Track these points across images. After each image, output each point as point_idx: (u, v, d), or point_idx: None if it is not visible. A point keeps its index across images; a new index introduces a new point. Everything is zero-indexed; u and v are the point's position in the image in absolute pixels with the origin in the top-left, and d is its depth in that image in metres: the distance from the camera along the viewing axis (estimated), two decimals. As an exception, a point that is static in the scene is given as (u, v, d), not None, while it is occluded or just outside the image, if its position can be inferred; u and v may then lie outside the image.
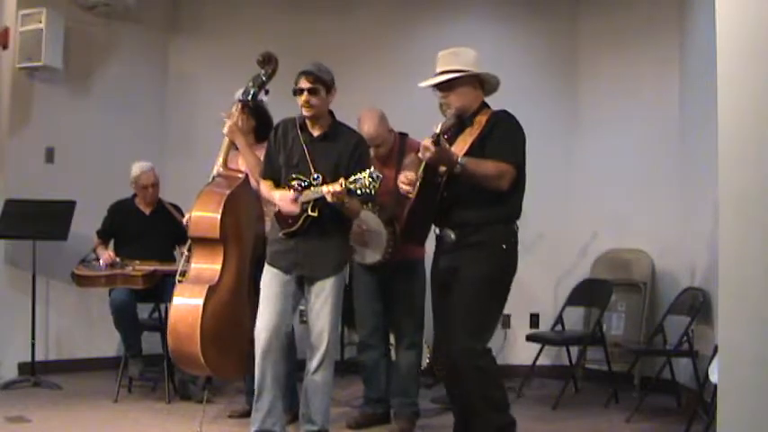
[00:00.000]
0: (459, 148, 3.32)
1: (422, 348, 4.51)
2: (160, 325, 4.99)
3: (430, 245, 3.63)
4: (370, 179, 3.32)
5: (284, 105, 3.88)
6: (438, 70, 3.45)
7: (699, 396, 4.28)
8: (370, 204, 3.99)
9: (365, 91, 5.64)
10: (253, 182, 3.99)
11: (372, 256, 4.19)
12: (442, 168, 3.25)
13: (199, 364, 3.78)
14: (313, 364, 3.61)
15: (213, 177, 4.06)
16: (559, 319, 5.48)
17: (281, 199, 3.56)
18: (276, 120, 3.91)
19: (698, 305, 4.68)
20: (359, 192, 3.35)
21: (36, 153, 5.69)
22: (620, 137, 5.85)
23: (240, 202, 3.95)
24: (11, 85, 5.65)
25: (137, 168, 5.18)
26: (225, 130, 4.12)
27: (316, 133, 3.65)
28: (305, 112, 3.59)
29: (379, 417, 4.34)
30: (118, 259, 4.91)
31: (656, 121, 5.70)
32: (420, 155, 3.24)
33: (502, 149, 3.30)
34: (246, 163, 4.13)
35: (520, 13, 6.21)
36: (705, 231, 4.74)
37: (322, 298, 3.60)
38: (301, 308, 3.78)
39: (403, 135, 4.33)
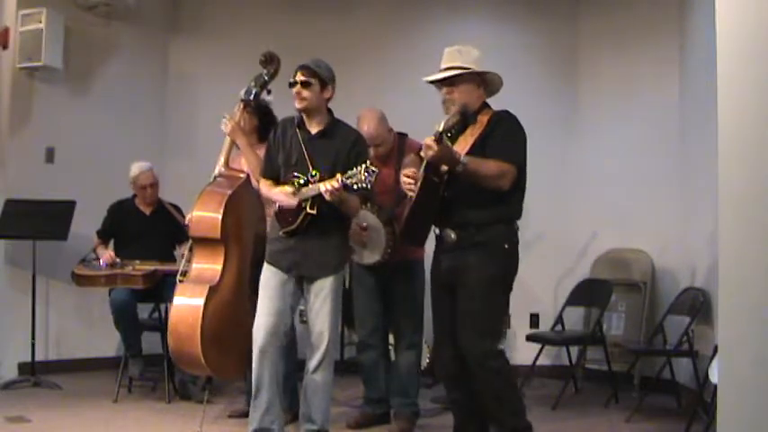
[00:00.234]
0: (461, 147, 3.31)
1: (421, 348, 4.51)
2: (160, 325, 4.99)
3: (429, 245, 3.63)
4: (366, 173, 3.31)
5: (286, 105, 3.88)
6: (442, 67, 3.45)
7: (699, 396, 4.28)
8: (369, 204, 3.99)
9: (365, 91, 5.65)
10: (254, 182, 3.99)
11: (371, 257, 4.19)
12: (444, 167, 3.23)
13: (199, 364, 3.78)
14: (313, 363, 3.61)
15: (215, 177, 4.06)
16: (559, 319, 5.48)
17: (280, 193, 3.56)
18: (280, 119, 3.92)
19: (698, 305, 4.68)
20: (355, 186, 3.34)
21: (36, 153, 5.69)
22: (620, 137, 5.86)
23: (241, 202, 3.95)
24: (11, 85, 5.65)
25: (135, 168, 5.18)
26: (226, 130, 4.12)
27: (314, 131, 3.65)
28: (296, 105, 3.61)
29: (379, 417, 4.34)
30: (118, 259, 4.91)
31: (656, 122, 5.70)
32: (422, 153, 3.23)
33: (503, 149, 3.29)
34: (248, 163, 4.13)
35: (520, 13, 6.21)
36: (705, 231, 4.74)
37: (321, 297, 3.60)
38: (301, 308, 3.78)
39: (402, 135, 4.33)
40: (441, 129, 3.10)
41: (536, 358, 5.28)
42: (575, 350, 5.49)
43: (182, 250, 4.89)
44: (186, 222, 4.10)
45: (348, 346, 5.91)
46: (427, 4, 6.30)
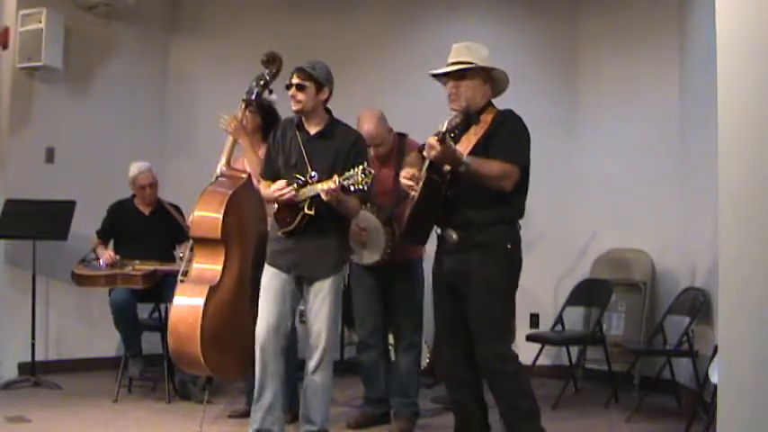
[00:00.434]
0: (464, 146, 3.28)
1: (421, 348, 4.51)
2: (160, 325, 4.99)
3: (430, 245, 3.62)
4: (363, 175, 3.31)
5: (288, 105, 3.88)
6: (449, 61, 3.42)
7: (699, 396, 4.28)
8: (368, 205, 3.99)
9: (365, 91, 5.65)
10: (255, 182, 3.99)
11: (371, 257, 4.19)
12: (447, 167, 3.21)
13: (199, 364, 3.78)
14: (312, 364, 3.61)
15: (216, 177, 4.06)
16: (559, 319, 5.48)
17: (277, 188, 3.55)
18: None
19: (698, 305, 4.68)
20: (352, 188, 3.35)
21: (36, 153, 5.69)
22: (620, 137, 5.85)
23: (242, 202, 3.94)
24: (11, 85, 5.65)
25: (134, 168, 5.18)
26: (228, 129, 4.12)
27: (312, 131, 3.65)
28: (292, 107, 3.61)
29: (379, 417, 4.34)
30: (118, 258, 4.91)
31: (656, 121, 5.70)
32: (425, 153, 3.20)
33: (507, 150, 3.27)
34: (249, 163, 4.13)
35: (520, 12, 6.21)
36: (705, 231, 4.74)
37: (320, 298, 3.60)
38: (301, 308, 3.78)
39: (402, 135, 4.33)
40: (444, 129, 3.07)
41: (536, 358, 5.28)
42: (575, 350, 5.49)
43: (181, 250, 4.90)
44: (188, 222, 4.10)
45: (348, 346, 5.91)
46: (427, 5, 6.30)
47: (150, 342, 5.12)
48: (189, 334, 3.74)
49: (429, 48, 6.06)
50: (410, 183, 3.33)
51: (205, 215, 3.88)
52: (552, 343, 5.39)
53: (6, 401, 4.73)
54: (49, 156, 5.74)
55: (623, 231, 5.79)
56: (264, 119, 4.31)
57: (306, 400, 3.65)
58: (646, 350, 5.08)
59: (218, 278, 3.85)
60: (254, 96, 4.14)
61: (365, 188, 3.34)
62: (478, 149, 3.28)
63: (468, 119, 3.34)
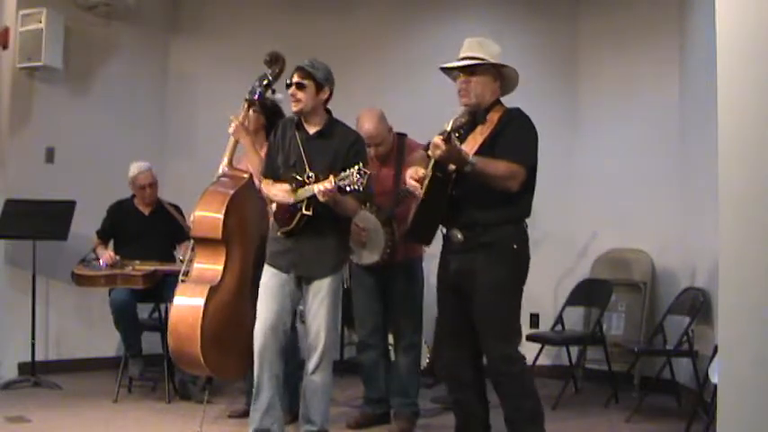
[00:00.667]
0: (470, 146, 3.25)
1: (421, 348, 4.51)
2: (160, 325, 4.99)
3: (433, 245, 3.59)
4: (358, 175, 3.30)
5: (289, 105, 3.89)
6: (461, 56, 3.38)
7: (699, 396, 4.28)
8: (368, 204, 3.99)
9: (365, 91, 5.65)
10: (257, 182, 3.99)
11: (370, 257, 4.19)
12: (452, 167, 3.17)
13: (199, 364, 3.78)
14: (311, 364, 3.61)
15: (218, 177, 4.06)
16: (559, 319, 5.48)
17: (279, 190, 3.56)
18: None
19: (698, 305, 4.68)
20: (347, 188, 3.34)
21: (36, 153, 5.69)
22: (620, 137, 5.85)
23: (244, 202, 3.94)
24: (11, 85, 5.64)
25: (134, 168, 5.18)
26: (230, 130, 4.12)
27: (312, 131, 3.65)
28: (292, 107, 3.61)
29: (379, 417, 4.34)
30: (118, 258, 4.91)
31: (656, 121, 5.70)
32: (430, 152, 3.17)
33: (513, 149, 3.23)
34: (251, 163, 4.12)
35: (520, 12, 6.21)
36: (705, 231, 4.74)
37: (319, 298, 3.60)
38: (300, 308, 3.78)
39: (401, 135, 4.33)
40: (449, 128, 3.03)
41: (536, 358, 5.28)
42: (575, 350, 5.49)
43: (181, 250, 4.90)
44: (189, 222, 4.10)
45: (348, 346, 5.91)
46: (427, 5, 6.30)
47: (150, 342, 5.12)
48: (189, 334, 3.73)
49: (429, 48, 6.10)
50: (415, 184, 3.30)
51: (206, 215, 3.88)
52: (552, 343, 5.39)
53: (6, 401, 4.73)
54: (49, 156, 5.74)
55: (623, 231, 5.79)
56: (269, 118, 4.30)
57: (305, 401, 3.65)
58: (646, 350, 5.07)
59: (219, 278, 3.84)
60: (256, 96, 4.14)
61: (360, 188, 3.33)
62: (485, 148, 3.24)
63: (473, 119, 3.32)
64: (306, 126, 3.67)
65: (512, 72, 3.41)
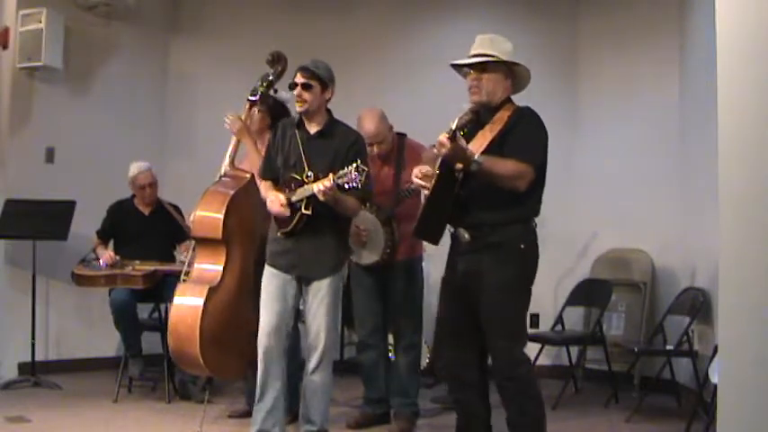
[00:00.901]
0: (479, 144, 3.20)
1: (421, 348, 4.51)
2: (160, 325, 4.99)
3: (434, 246, 3.58)
4: (357, 172, 3.29)
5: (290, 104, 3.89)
6: (472, 52, 3.33)
7: (699, 396, 4.28)
8: (367, 204, 3.98)
9: (365, 91, 5.65)
10: (259, 182, 3.98)
11: (370, 257, 4.19)
12: (459, 165, 3.12)
13: (198, 364, 3.78)
14: (311, 364, 3.61)
15: (220, 177, 4.06)
16: (559, 319, 5.48)
17: (272, 201, 3.56)
18: None
19: (698, 305, 4.68)
20: (346, 186, 3.33)
21: (36, 153, 5.69)
22: (620, 137, 5.85)
23: (245, 202, 3.94)
24: (11, 85, 5.64)
25: (134, 168, 5.18)
26: (231, 129, 4.12)
27: (312, 131, 3.65)
28: (297, 107, 3.61)
29: (379, 417, 4.34)
30: (118, 258, 4.91)
31: (656, 121, 5.70)
32: (435, 151, 3.12)
33: (522, 148, 3.19)
34: (252, 163, 4.12)
35: (520, 12, 6.21)
36: (705, 231, 4.74)
37: (319, 298, 3.59)
38: (301, 308, 3.78)
39: (401, 135, 4.33)
40: (454, 126, 2.99)
41: (536, 358, 5.25)
42: (575, 350, 5.49)
43: (182, 251, 4.90)
44: (188, 222, 4.10)
45: (348, 346, 5.91)
46: (427, 5, 6.30)
47: (150, 342, 5.12)
48: (188, 334, 3.74)
49: (429, 48, 6.11)
50: (422, 183, 3.26)
51: (206, 215, 3.88)
52: (552, 343, 5.39)
53: (6, 401, 4.74)
54: (49, 156, 5.74)
55: (623, 231, 5.79)
56: (275, 119, 4.29)
57: (305, 400, 3.65)
58: (646, 350, 5.07)
59: (219, 279, 3.85)
60: (258, 96, 4.14)
61: (359, 186, 3.32)
62: (494, 147, 3.19)
63: (477, 117, 3.28)
64: (307, 126, 3.66)
65: (523, 70, 3.38)
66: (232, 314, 3.84)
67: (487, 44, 3.34)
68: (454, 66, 3.38)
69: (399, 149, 4.25)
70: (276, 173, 3.69)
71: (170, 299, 4.01)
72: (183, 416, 4.44)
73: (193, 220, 3.93)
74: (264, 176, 3.75)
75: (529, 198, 3.23)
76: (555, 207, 5.87)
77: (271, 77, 4.14)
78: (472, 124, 3.26)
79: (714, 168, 2.69)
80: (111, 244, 5.18)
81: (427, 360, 5.38)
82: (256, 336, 3.60)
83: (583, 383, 5.43)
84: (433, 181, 3.18)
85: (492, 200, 3.18)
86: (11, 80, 5.64)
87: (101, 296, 5.18)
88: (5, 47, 5.66)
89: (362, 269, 4.27)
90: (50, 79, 5.70)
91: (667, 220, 5.53)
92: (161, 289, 4.81)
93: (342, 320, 5.25)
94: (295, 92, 3.58)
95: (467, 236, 3.27)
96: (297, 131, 3.66)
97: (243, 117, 4.15)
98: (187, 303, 3.80)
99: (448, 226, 3.34)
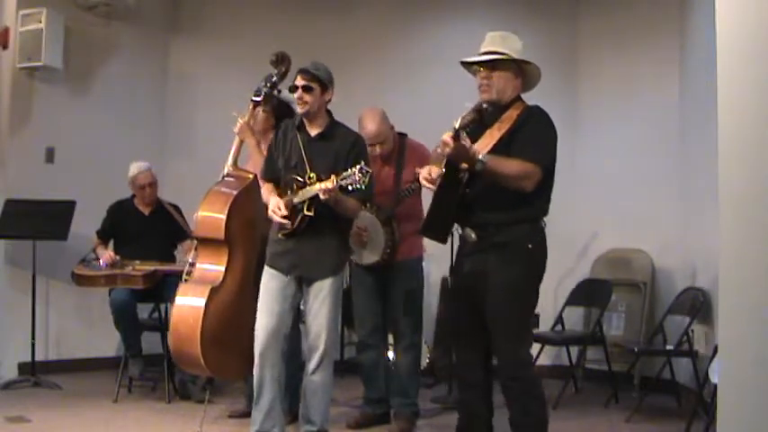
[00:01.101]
0: (486, 143, 3.17)
1: (421, 348, 4.51)
2: (160, 325, 4.99)
3: (435, 245, 3.56)
4: (360, 174, 3.30)
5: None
6: (482, 50, 3.30)
7: (699, 396, 4.28)
8: (367, 204, 3.98)
9: (365, 91, 5.65)
10: (262, 183, 3.98)
11: (370, 257, 4.19)
12: (464, 165, 3.09)
13: (199, 364, 3.78)
14: (312, 364, 3.61)
15: (223, 177, 4.06)
16: (559, 319, 5.48)
17: (273, 212, 3.55)
18: None
19: (698, 305, 4.68)
20: (350, 187, 3.34)
21: (36, 153, 5.69)
22: (620, 137, 5.86)
23: (247, 203, 3.93)
24: (11, 85, 5.64)
25: (134, 168, 5.18)
26: (235, 130, 4.12)
27: (313, 133, 3.66)
28: (299, 109, 3.62)
29: (379, 417, 4.34)
30: (118, 258, 4.91)
31: (656, 122, 5.70)
32: (439, 150, 3.09)
33: (528, 148, 3.15)
34: (255, 163, 4.12)
35: (520, 12, 6.20)
36: (705, 231, 4.74)
37: (320, 299, 3.60)
38: (302, 308, 3.78)
39: (402, 135, 4.33)
40: (457, 125, 2.96)
41: (536, 358, 5.24)
42: (575, 350, 5.49)
43: (184, 249, 4.90)
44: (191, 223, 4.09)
45: (348, 346, 5.91)
46: (427, 5, 6.30)
47: (150, 342, 5.13)
48: (189, 334, 3.73)
49: (429, 48, 6.11)
50: (428, 184, 3.23)
51: (209, 215, 3.88)
52: (552, 343, 5.39)
53: (6, 401, 4.74)
54: (49, 156, 5.74)
55: (623, 231, 5.79)
56: (279, 119, 4.28)
57: (306, 401, 3.65)
58: (646, 350, 5.07)
59: (221, 279, 3.84)
60: (261, 97, 4.14)
61: (363, 187, 3.33)
62: (501, 146, 3.16)
63: (480, 116, 3.25)
64: (308, 128, 3.67)
65: (534, 69, 3.33)
66: (233, 314, 3.84)
67: (498, 42, 3.29)
68: (464, 63, 3.33)
69: (400, 149, 4.25)
70: (277, 174, 3.69)
71: (170, 299, 4.01)
72: (183, 416, 4.44)
73: (196, 220, 3.93)
74: (266, 177, 3.76)
75: (537, 198, 3.21)
76: (555, 207, 5.84)
77: (274, 78, 4.14)
78: (476, 123, 3.24)
79: (714, 168, 2.68)
80: (111, 244, 5.18)
81: (427, 360, 5.38)
82: (256, 336, 3.60)
83: (583, 383, 5.43)
84: (439, 180, 3.16)
85: (498, 200, 3.16)
86: (11, 80, 5.64)
87: (101, 296, 5.18)
88: (5, 47, 5.66)
89: (363, 269, 4.27)
90: (50, 79, 5.70)
91: (667, 220, 5.53)
92: (161, 289, 4.82)
93: (342, 320, 5.26)
94: (296, 95, 3.58)
95: (473, 236, 3.25)
96: (298, 133, 3.66)
97: (246, 117, 4.15)
98: (189, 303, 3.79)
99: (456, 226, 3.32)
